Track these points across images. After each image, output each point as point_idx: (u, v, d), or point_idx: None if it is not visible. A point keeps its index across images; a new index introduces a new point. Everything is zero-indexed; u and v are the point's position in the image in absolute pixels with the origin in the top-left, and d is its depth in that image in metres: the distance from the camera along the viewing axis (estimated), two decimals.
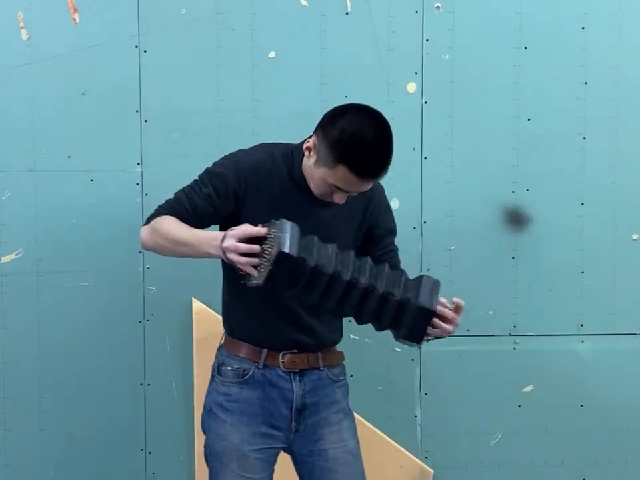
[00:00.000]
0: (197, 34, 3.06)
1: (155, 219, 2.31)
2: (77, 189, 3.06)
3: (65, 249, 3.07)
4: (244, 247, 2.08)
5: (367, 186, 2.24)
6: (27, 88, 3.02)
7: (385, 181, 2.94)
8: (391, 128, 2.26)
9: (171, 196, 2.38)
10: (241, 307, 2.37)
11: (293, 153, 2.33)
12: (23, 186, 3.04)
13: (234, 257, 2.09)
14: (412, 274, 3.19)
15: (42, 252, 3.06)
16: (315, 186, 2.27)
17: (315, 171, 2.24)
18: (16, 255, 3.06)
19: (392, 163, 3.13)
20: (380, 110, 2.25)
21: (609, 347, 3.27)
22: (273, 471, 2.43)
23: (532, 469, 3.28)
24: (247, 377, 2.36)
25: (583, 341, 3.27)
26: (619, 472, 3.30)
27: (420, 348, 2.21)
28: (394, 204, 3.10)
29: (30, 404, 3.10)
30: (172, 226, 2.26)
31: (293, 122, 3.05)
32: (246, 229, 2.10)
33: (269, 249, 2.07)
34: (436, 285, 2.19)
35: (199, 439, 3.07)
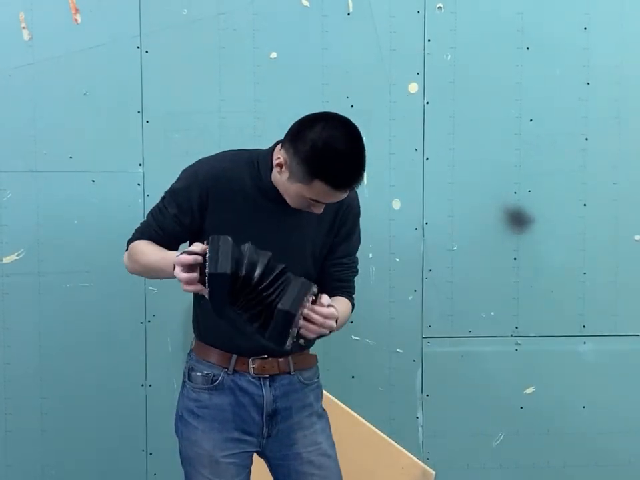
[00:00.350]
0: (199, 34, 3.05)
1: (131, 245, 2.34)
2: (79, 190, 3.06)
3: (67, 250, 3.07)
4: (184, 277, 2.03)
5: (345, 195, 2.20)
6: (29, 88, 3.02)
7: (386, 181, 2.95)
8: (360, 132, 2.19)
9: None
10: (208, 312, 2.27)
11: (259, 162, 2.28)
12: (24, 186, 3.04)
13: (184, 287, 2.06)
14: (414, 275, 3.21)
15: (43, 253, 3.06)
16: (291, 200, 2.23)
17: (290, 186, 2.19)
18: (17, 255, 3.06)
19: (394, 164, 3.15)
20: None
21: (611, 348, 3.26)
22: (249, 472, 2.41)
23: (534, 471, 3.28)
24: (216, 382, 2.34)
25: (585, 342, 3.26)
26: (622, 473, 3.29)
27: (291, 347, 2.11)
28: (395, 204, 3.10)
29: (31, 405, 3.10)
30: (143, 250, 2.28)
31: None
32: (184, 259, 2.03)
33: (205, 268, 2.00)
34: (305, 286, 2.06)
35: None
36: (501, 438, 3.26)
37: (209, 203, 2.26)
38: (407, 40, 3.12)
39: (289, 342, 2.06)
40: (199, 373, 2.37)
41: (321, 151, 2.11)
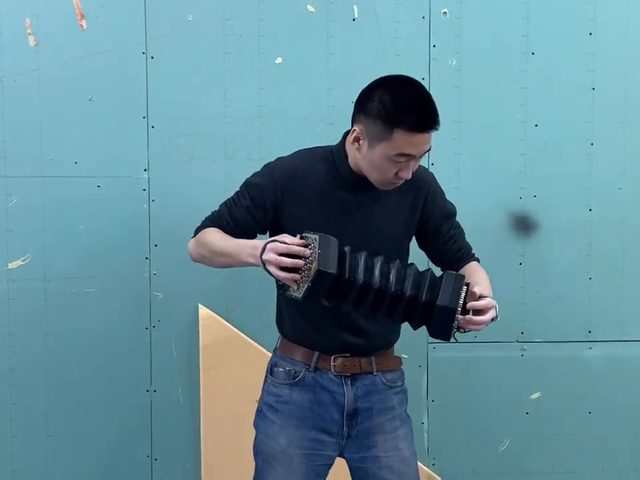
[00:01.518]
0: (204, 40, 3.06)
1: (200, 232, 2.36)
2: (84, 195, 3.06)
3: (72, 255, 3.07)
4: (288, 261, 2.09)
5: (428, 141, 2.21)
6: (34, 94, 3.03)
7: None
8: None
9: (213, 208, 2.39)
10: (293, 310, 2.34)
11: (333, 153, 2.33)
12: (30, 192, 3.05)
13: (274, 271, 2.11)
14: None
15: (49, 258, 3.07)
16: (377, 172, 2.24)
17: (373, 154, 2.21)
18: (23, 261, 3.07)
19: None
20: (439, 121, 2.23)
21: (617, 353, 3.25)
22: None
23: (540, 476, 3.27)
24: (297, 379, 2.34)
25: (591, 348, 3.25)
26: (628, 479, 3.28)
27: (456, 340, 2.21)
28: None
29: (36, 410, 3.10)
30: (214, 237, 2.30)
31: (300, 127, 3.05)
32: (288, 246, 2.10)
33: (309, 264, 2.09)
34: (458, 280, 2.17)
35: (205, 445, 3.08)
36: (507, 443, 3.26)
37: (284, 200, 2.30)
38: (412, 45, 3.12)
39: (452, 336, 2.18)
40: (281, 369, 2.37)
41: (392, 100, 2.16)
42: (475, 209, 3.17)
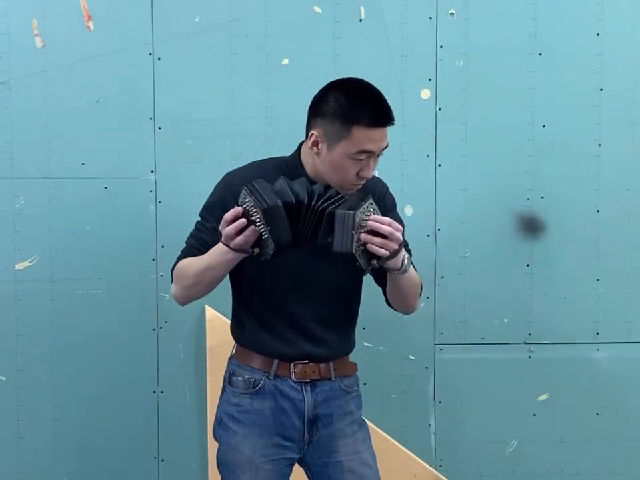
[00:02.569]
0: (211, 41, 3.06)
1: (175, 268, 2.36)
2: (91, 196, 3.06)
3: (79, 256, 3.07)
4: (232, 228, 2.10)
5: (385, 137, 2.22)
6: (41, 95, 3.03)
7: (398, 187, 2.93)
8: None
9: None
10: (251, 318, 2.35)
11: (287, 164, 2.33)
12: (37, 193, 3.05)
13: (235, 240, 2.12)
14: (426, 281, 3.18)
15: (56, 259, 3.07)
16: (339, 174, 2.24)
17: (333, 155, 2.22)
18: (30, 262, 3.07)
19: (406, 170, 3.15)
20: (394, 116, 2.24)
21: (625, 355, 3.24)
22: None
23: (547, 478, 3.26)
24: (257, 387, 2.35)
25: (598, 349, 3.24)
26: None
27: (364, 268, 2.15)
28: (408, 211, 3.10)
29: (43, 411, 3.10)
30: (189, 265, 2.30)
31: None
32: (225, 216, 2.13)
33: (255, 214, 2.09)
34: (359, 195, 2.15)
35: (212, 447, 3.06)
36: (515, 445, 3.25)
37: None
38: (419, 46, 3.12)
39: (358, 255, 2.11)
40: (240, 378, 2.37)
41: (347, 99, 2.19)
42: (482, 211, 3.17)
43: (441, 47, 3.13)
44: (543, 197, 3.18)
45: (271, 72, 3.08)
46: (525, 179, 3.18)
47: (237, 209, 2.11)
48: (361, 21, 3.11)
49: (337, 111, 2.19)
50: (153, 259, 3.08)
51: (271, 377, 2.34)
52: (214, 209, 2.33)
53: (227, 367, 2.44)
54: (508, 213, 3.19)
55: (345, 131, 2.18)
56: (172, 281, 2.38)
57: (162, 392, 3.13)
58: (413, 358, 3.18)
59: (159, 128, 3.07)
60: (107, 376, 3.10)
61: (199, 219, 2.38)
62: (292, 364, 2.34)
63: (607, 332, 3.24)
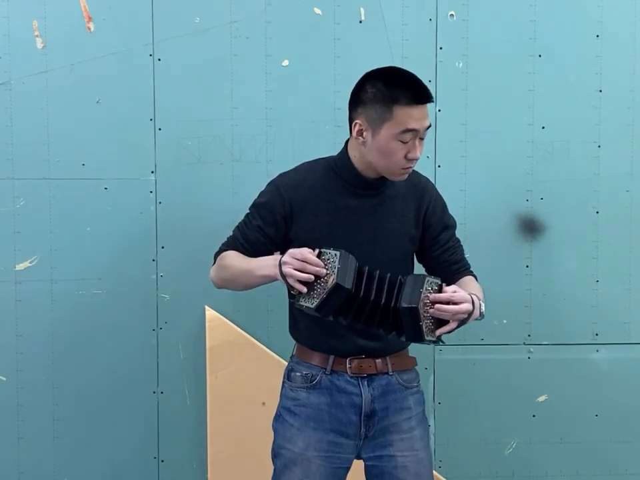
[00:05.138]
0: (211, 42, 3.06)
1: (219, 257, 2.40)
2: (91, 197, 3.07)
3: (79, 257, 3.08)
4: (304, 275, 2.14)
5: (427, 115, 2.26)
6: (42, 96, 3.03)
7: None
8: None
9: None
10: (306, 317, 2.34)
11: (336, 161, 2.37)
12: (37, 194, 3.05)
13: (288, 270, 2.15)
14: None
15: (56, 260, 3.07)
16: (387, 159, 2.27)
17: (379, 139, 2.25)
18: (30, 262, 3.07)
19: None
20: (432, 95, 2.26)
21: (624, 356, 3.25)
22: None
23: (546, 479, 3.26)
24: (314, 382, 2.37)
25: (598, 350, 3.25)
26: None
27: (440, 342, 2.21)
28: None
29: (44, 411, 3.10)
30: (233, 260, 2.35)
31: (307, 130, 3.05)
32: (307, 255, 2.15)
33: (325, 278, 2.13)
34: (419, 280, 2.18)
35: (212, 447, 3.08)
36: (514, 446, 3.25)
37: (293, 212, 2.34)
38: (419, 47, 3.12)
39: (429, 336, 2.16)
40: (297, 373, 2.40)
41: (384, 82, 2.24)
42: (481, 212, 3.17)
43: (441, 48, 3.13)
44: (542, 198, 3.19)
45: (271, 73, 3.09)
46: (525, 180, 3.18)
47: (321, 270, 2.14)
48: (361, 22, 3.11)
49: (376, 95, 2.23)
50: (153, 260, 3.09)
51: (327, 372, 2.36)
52: (261, 208, 2.37)
53: (287, 364, 2.47)
54: (507, 214, 3.19)
55: (387, 113, 2.22)
56: (213, 263, 2.42)
57: (162, 392, 3.14)
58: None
59: (159, 129, 3.08)
60: (107, 376, 3.10)
61: (248, 211, 2.41)
62: (348, 359, 2.36)
63: (606, 333, 3.24)
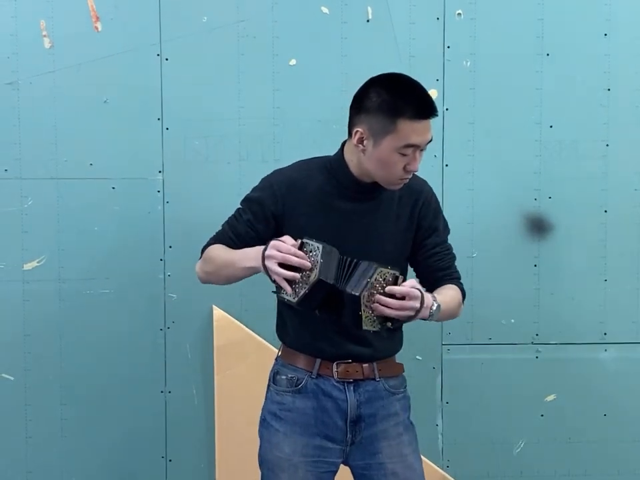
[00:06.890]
0: (218, 41, 3.06)
1: (207, 249, 2.38)
2: (99, 197, 3.07)
3: (87, 257, 3.08)
4: (295, 260, 2.12)
5: (430, 129, 2.21)
6: (49, 96, 3.04)
7: None
8: None
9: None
10: (294, 318, 2.35)
11: (332, 163, 2.34)
12: (45, 193, 3.06)
13: (272, 266, 2.13)
14: None
15: (64, 259, 3.08)
16: (386, 170, 2.24)
17: (379, 150, 2.22)
18: (38, 262, 3.08)
19: None
20: (437, 108, 2.24)
21: (633, 355, 3.24)
22: None
23: (555, 479, 3.26)
24: (300, 386, 2.34)
25: (606, 350, 3.24)
26: None
27: (383, 335, 2.18)
28: None
29: (51, 411, 3.11)
30: (218, 252, 2.33)
31: (314, 129, 3.05)
32: (290, 248, 2.13)
33: (308, 272, 2.12)
34: (370, 268, 2.14)
35: (220, 447, 3.08)
36: (522, 446, 3.25)
37: (285, 210, 2.32)
38: (427, 46, 3.12)
39: (367, 326, 2.12)
40: (283, 377, 2.38)
41: (390, 92, 2.18)
42: (489, 211, 3.16)
43: (448, 47, 3.13)
44: (550, 197, 3.18)
45: (279, 72, 3.09)
46: (533, 179, 3.17)
47: (305, 263, 2.11)
48: (368, 21, 3.11)
49: (380, 105, 2.18)
50: (161, 259, 3.09)
51: (313, 376, 2.34)
52: (252, 203, 2.35)
53: (273, 366, 2.44)
54: (515, 213, 3.18)
55: (391, 125, 2.18)
56: (200, 257, 2.40)
57: (169, 392, 3.14)
58: (420, 358, 3.18)
59: (167, 128, 3.08)
60: (115, 376, 3.11)
61: (240, 205, 2.39)
62: (334, 363, 2.34)
63: (614, 332, 3.23)
